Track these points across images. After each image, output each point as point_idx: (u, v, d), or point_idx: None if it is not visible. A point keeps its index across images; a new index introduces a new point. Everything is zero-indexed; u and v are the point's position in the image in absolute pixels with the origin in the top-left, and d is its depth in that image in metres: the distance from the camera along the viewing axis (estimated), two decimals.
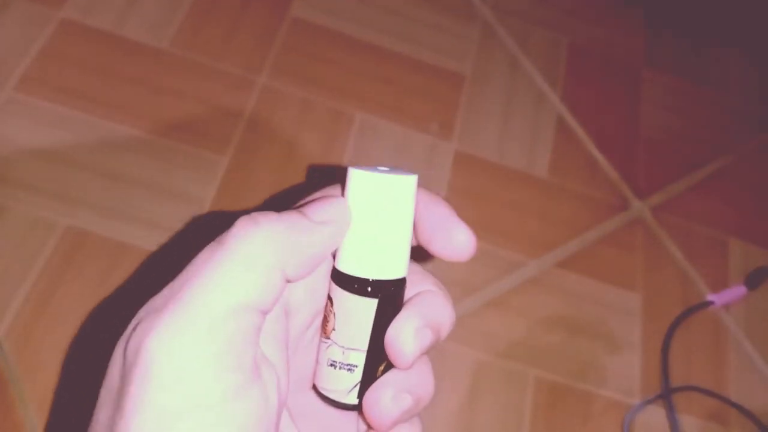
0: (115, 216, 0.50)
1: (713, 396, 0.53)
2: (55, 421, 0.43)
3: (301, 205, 0.25)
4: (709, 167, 0.65)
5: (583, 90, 0.67)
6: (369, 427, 0.25)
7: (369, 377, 0.25)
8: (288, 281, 0.23)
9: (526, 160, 0.61)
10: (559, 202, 0.60)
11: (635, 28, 0.73)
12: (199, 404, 0.20)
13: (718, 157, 0.66)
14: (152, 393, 0.20)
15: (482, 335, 0.52)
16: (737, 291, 0.58)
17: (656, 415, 0.52)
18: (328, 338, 0.25)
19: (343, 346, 0.25)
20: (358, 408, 0.25)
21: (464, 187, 0.58)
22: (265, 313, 0.22)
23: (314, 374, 0.26)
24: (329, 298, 0.25)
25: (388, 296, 0.24)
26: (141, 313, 0.22)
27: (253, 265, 0.22)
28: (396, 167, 0.25)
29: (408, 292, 0.25)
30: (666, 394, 0.52)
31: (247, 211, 0.23)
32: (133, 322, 0.22)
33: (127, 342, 0.21)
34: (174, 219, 0.51)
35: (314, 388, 0.26)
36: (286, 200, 0.26)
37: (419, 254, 0.27)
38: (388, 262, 0.24)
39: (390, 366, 0.25)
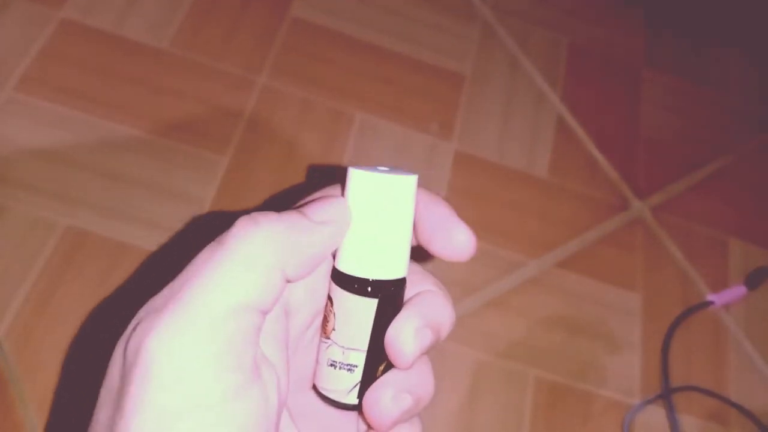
0: (115, 216, 0.50)
1: (713, 396, 0.53)
2: (55, 422, 0.43)
3: (301, 205, 0.25)
4: (709, 167, 0.65)
5: (583, 90, 0.67)
6: (369, 427, 0.25)
7: (369, 377, 0.25)
8: (288, 281, 0.23)
9: (526, 160, 0.61)
10: (559, 202, 0.60)
11: (635, 28, 0.73)
12: (199, 404, 0.20)
13: (718, 157, 0.66)
14: (152, 393, 0.20)
15: (482, 335, 0.52)
16: (737, 291, 0.58)
17: (656, 415, 0.52)
18: (328, 338, 0.25)
19: (343, 346, 0.25)
20: (358, 408, 0.25)
21: (464, 187, 0.58)
22: (265, 313, 0.22)
23: (314, 374, 0.26)
24: (329, 298, 0.25)
25: (388, 296, 0.24)
26: (141, 313, 0.22)
27: (253, 265, 0.22)
28: (396, 167, 0.25)
29: (408, 292, 0.25)
30: (666, 394, 0.52)
31: (247, 211, 0.23)
32: (133, 322, 0.22)
33: (127, 342, 0.21)
34: (174, 219, 0.51)
35: (314, 388, 0.26)
36: (286, 200, 0.26)
37: (419, 254, 0.27)
38: (388, 262, 0.24)
39: (390, 366, 0.25)
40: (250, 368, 0.21)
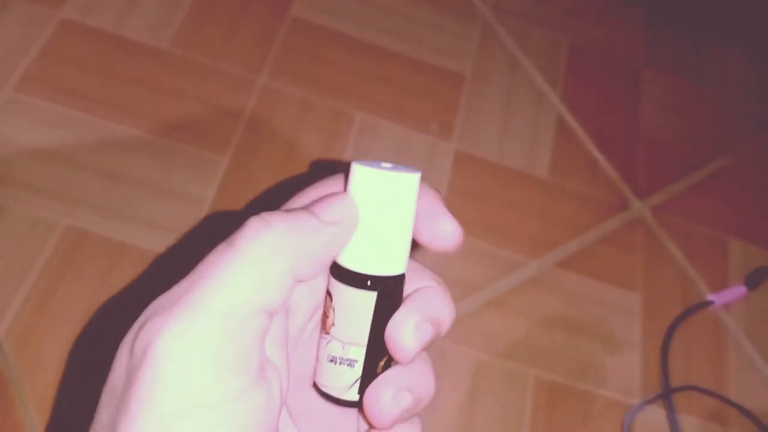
0: (115, 216, 0.50)
1: (713, 396, 0.53)
2: (55, 422, 0.43)
3: (299, 202, 0.25)
4: (709, 167, 0.65)
5: (583, 90, 0.67)
6: (369, 426, 0.25)
7: (369, 373, 0.25)
8: (297, 282, 0.23)
9: (526, 160, 0.61)
10: (559, 202, 0.60)
11: (635, 28, 0.73)
12: (202, 405, 0.20)
13: (718, 157, 0.66)
14: (158, 392, 0.20)
15: (482, 335, 0.52)
16: (737, 291, 0.58)
17: (656, 415, 0.52)
18: (328, 333, 0.25)
19: (342, 341, 0.25)
20: (358, 405, 0.25)
21: (464, 187, 0.58)
22: (273, 315, 0.22)
23: (314, 371, 0.26)
24: (328, 293, 0.25)
25: (387, 290, 0.25)
26: (148, 311, 0.22)
27: (263, 268, 0.22)
28: (399, 164, 0.25)
29: (407, 288, 0.26)
30: (666, 394, 0.52)
31: (249, 209, 0.23)
32: (139, 320, 0.22)
33: (134, 340, 0.21)
34: (174, 219, 0.51)
35: (314, 385, 0.26)
36: (288, 192, 0.26)
37: (419, 253, 0.27)
38: (389, 258, 0.24)
39: (390, 361, 0.25)
40: (256, 370, 0.21)
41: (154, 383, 0.20)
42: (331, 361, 0.25)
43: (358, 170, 0.24)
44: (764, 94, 0.71)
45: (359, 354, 0.25)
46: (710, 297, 0.58)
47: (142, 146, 0.53)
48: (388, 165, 0.25)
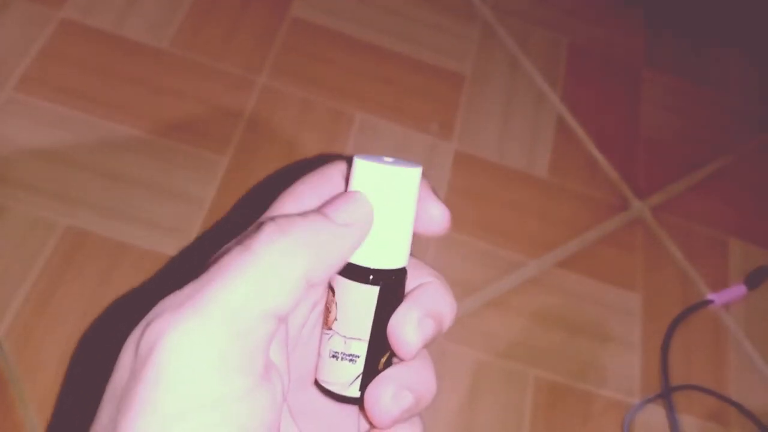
0: (115, 216, 0.50)
1: (713, 395, 0.53)
2: (56, 422, 0.43)
3: (301, 189, 0.25)
4: (709, 167, 0.65)
5: (583, 90, 0.67)
6: (370, 425, 0.25)
7: (371, 368, 0.25)
8: (310, 287, 0.23)
9: (526, 160, 0.61)
10: (559, 202, 0.60)
11: (635, 28, 0.73)
12: (205, 405, 0.20)
13: (718, 157, 0.66)
14: (161, 391, 0.20)
15: (482, 335, 0.52)
16: (737, 290, 0.58)
17: (656, 414, 0.52)
18: (330, 329, 0.25)
19: (344, 336, 0.25)
20: (359, 401, 0.25)
21: (464, 187, 0.58)
22: (282, 319, 0.22)
23: (316, 368, 0.26)
24: (330, 288, 0.25)
25: (390, 284, 0.25)
26: (156, 309, 0.22)
27: (278, 274, 0.22)
28: (400, 158, 0.26)
29: (409, 285, 0.26)
30: (666, 394, 0.52)
31: (250, 206, 0.23)
32: (147, 318, 0.22)
33: (140, 338, 0.21)
34: (174, 219, 0.51)
35: (315, 382, 0.26)
36: (290, 179, 0.26)
37: (419, 252, 0.27)
38: (390, 252, 0.25)
39: (392, 357, 0.25)
40: (261, 371, 0.21)
41: (158, 382, 0.20)
42: (333, 356, 0.25)
43: (360, 164, 0.24)
44: (764, 94, 0.71)
45: (361, 349, 0.25)
46: (710, 296, 0.58)
47: (142, 146, 0.53)
48: (390, 159, 0.25)
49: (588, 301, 0.56)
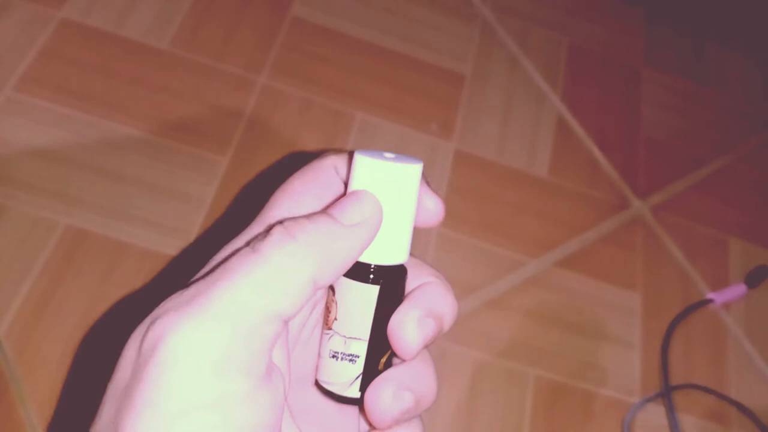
0: (115, 216, 0.50)
1: (713, 394, 0.53)
2: (56, 422, 0.43)
3: (300, 182, 0.25)
4: (710, 167, 0.65)
5: (583, 89, 0.67)
6: (370, 426, 0.25)
7: (371, 369, 0.25)
8: (317, 289, 0.23)
9: (526, 159, 0.61)
10: (558, 202, 0.60)
11: (635, 28, 0.73)
12: (208, 405, 0.20)
13: (719, 157, 0.66)
14: (163, 390, 0.20)
15: (482, 335, 0.52)
16: (737, 289, 0.58)
17: (656, 413, 0.52)
18: (330, 329, 0.25)
19: (344, 336, 0.25)
20: (359, 402, 0.25)
21: (464, 187, 0.58)
22: (287, 321, 0.22)
23: (316, 368, 0.26)
24: (330, 288, 0.25)
25: (390, 282, 0.25)
26: (160, 308, 0.22)
27: (286, 276, 0.22)
28: (401, 154, 0.25)
29: (409, 285, 0.26)
30: (666, 393, 0.52)
31: (251, 205, 0.23)
32: (151, 316, 0.22)
33: (143, 336, 0.21)
34: (174, 219, 0.51)
35: (316, 383, 0.26)
36: (291, 169, 0.26)
37: (420, 251, 0.27)
38: (391, 248, 0.25)
39: (392, 358, 0.25)
40: (263, 373, 0.21)
41: (160, 381, 0.20)
42: (333, 356, 0.25)
43: (360, 160, 0.24)
44: (765, 94, 0.71)
45: (361, 349, 0.25)
46: (710, 296, 0.58)
47: (142, 146, 0.53)
48: (391, 155, 0.25)
49: (588, 301, 0.56)
